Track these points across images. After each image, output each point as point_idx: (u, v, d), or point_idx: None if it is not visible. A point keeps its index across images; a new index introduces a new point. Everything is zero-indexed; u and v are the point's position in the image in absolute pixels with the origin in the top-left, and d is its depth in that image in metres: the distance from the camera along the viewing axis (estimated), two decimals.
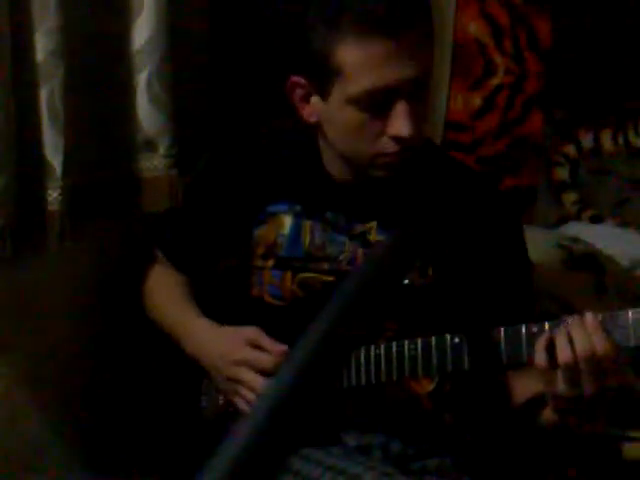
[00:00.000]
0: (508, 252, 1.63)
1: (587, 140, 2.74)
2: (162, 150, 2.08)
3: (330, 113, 1.49)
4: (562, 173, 2.76)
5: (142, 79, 2.04)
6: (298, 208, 1.63)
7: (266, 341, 1.54)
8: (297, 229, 1.63)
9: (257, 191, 1.66)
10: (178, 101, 2.06)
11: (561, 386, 1.36)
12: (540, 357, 1.36)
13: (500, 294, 1.58)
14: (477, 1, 2.61)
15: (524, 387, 1.55)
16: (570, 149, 2.75)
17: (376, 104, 1.43)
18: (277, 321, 1.59)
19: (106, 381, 1.75)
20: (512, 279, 1.61)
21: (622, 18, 2.66)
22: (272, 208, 1.65)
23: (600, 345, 1.33)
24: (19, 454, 1.74)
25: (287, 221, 1.63)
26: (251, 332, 1.56)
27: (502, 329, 1.40)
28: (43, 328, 1.86)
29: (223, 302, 1.70)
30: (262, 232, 1.65)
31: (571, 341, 1.34)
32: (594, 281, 2.24)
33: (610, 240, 2.46)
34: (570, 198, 2.74)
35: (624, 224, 2.64)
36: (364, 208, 1.60)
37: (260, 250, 1.65)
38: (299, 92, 1.52)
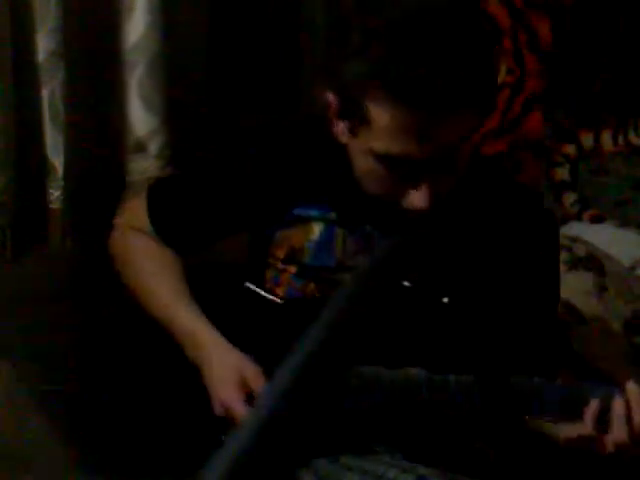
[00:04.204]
0: (539, 277, 1.56)
1: (587, 140, 2.74)
2: (154, 151, 2.08)
3: (354, 149, 1.42)
4: (562, 173, 2.76)
5: (134, 78, 2.04)
6: (332, 215, 1.53)
7: (257, 384, 1.44)
8: (329, 237, 1.53)
9: (283, 189, 1.55)
10: (171, 101, 2.06)
11: (610, 450, 1.33)
12: (589, 426, 1.33)
13: (523, 317, 1.52)
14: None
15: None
16: (570, 149, 2.75)
17: (397, 167, 1.36)
18: (283, 318, 1.53)
19: (107, 381, 1.75)
20: (537, 305, 1.55)
21: (622, 18, 2.66)
22: (300, 211, 1.54)
23: None
24: (19, 454, 1.74)
25: (317, 228, 1.54)
26: (250, 373, 1.46)
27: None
28: (43, 327, 1.86)
29: (226, 293, 1.60)
30: (286, 234, 1.55)
31: (630, 421, 1.32)
32: (594, 281, 2.24)
33: (610, 240, 2.46)
34: (570, 198, 2.74)
35: (624, 224, 2.64)
36: (401, 226, 1.46)
37: (281, 252, 1.56)
38: (333, 109, 1.42)
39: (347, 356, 1.39)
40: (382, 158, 1.36)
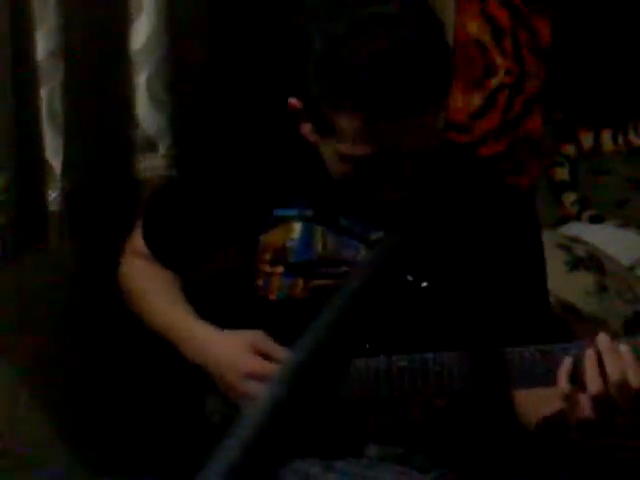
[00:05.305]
0: (523, 257, 1.58)
1: (587, 140, 2.74)
2: (162, 150, 2.09)
3: (323, 150, 1.48)
4: (562, 173, 2.76)
5: (142, 79, 2.04)
6: (309, 213, 1.57)
7: (272, 347, 1.49)
8: (308, 234, 1.57)
9: (264, 192, 1.60)
10: (178, 101, 2.06)
11: (588, 412, 1.30)
12: (564, 385, 1.31)
13: (512, 302, 1.53)
14: (477, 1, 2.61)
15: (540, 404, 1.45)
16: (570, 149, 2.75)
17: (363, 166, 1.42)
18: (283, 319, 1.54)
19: (107, 380, 1.76)
20: (525, 287, 1.56)
21: (622, 18, 2.66)
22: (280, 212, 1.59)
23: (635, 378, 1.28)
24: (19, 454, 1.74)
25: (296, 227, 1.58)
26: (256, 338, 1.50)
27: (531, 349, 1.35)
28: (43, 327, 1.86)
29: (222, 302, 1.67)
30: (269, 237, 1.59)
31: (602, 371, 1.29)
32: (594, 281, 2.24)
33: (610, 240, 2.47)
34: (570, 198, 2.74)
35: (624, 224, 2.64)
36: (377, 213, 1.54)
37: (267, 256, 1.59)
38: (298, 112, 1.48)
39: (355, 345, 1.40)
40: (348, 159, 1.42)
